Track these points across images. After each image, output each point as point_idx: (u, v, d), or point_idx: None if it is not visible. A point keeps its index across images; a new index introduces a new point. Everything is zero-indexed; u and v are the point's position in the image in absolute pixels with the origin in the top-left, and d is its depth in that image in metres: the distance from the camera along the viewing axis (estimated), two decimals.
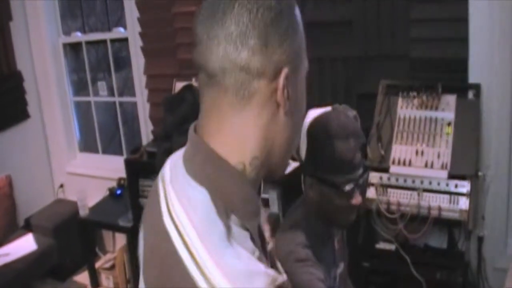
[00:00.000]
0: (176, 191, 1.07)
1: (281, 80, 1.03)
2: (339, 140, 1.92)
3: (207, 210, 0.99)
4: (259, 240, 1.09)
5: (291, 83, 1.05)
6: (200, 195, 1.02)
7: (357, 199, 1.99)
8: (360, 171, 1.99)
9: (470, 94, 3.23)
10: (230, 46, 1.00)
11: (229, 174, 1.04)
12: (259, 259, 1.00)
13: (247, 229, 1.04)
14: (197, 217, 0.99)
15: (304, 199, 2.15)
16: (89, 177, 5.38)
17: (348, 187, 1.94)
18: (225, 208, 1.01)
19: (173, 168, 1.13)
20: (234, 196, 1.03)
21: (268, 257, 1.17)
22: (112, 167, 5.13)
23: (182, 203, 1.03)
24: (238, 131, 1.05)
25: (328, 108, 2.09)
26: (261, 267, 0.97)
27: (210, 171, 1.04)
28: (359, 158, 1.98)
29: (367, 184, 3.15)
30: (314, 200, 2.06)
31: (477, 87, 3.20)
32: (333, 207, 2.00)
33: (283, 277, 1.00)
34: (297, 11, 1.09)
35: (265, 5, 1.01)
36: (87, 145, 5.83)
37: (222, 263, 0.93)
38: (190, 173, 1.06)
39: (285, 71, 1.03)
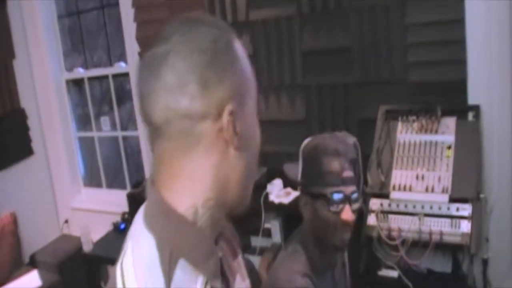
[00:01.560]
0: (132, 238, 1.10)
1: (225, 117, 1.04)
2: (328, 155, 2.01)
3: (150, 257, 1.02)
4: (220, 280, 1.09)
5: (239, 118, 1.06)
6: (147, 242, 1.04)
7: (347, 214, 1.99)
8: (352, 188, 2.02)
9: (470, 116, 3.21)
10: (170, 97, 1.02)
11: (176, 221, 1.05)
12: None
13: (201, 273, 1.04)
14: (140, 263, 1.03)
15: (301, 227, 2.16)
16: (93, 212, 5.37)
17: (336, 197, 1.97)
18: (170, 254, 1.01)
19: (138, 217, 1.14)
20: (181, 243, 1.04)
21: None
22: (116, 202, 5.12)
23: (132, 249, 1.07)
24: (188, 176, 1.06)
25: None
26: None
27: (158, 220, 1.06)
28: (349, 175, 2.03)
29: (368, 211, 3.14)
30: (308, 220, 2.09)
31: (476, 109, 3.19)
32: (325, 223, 2.02)
33: None
34: (237, 44, 1.10)
35: (198, 49, 1.03)
36: (92, 180, 5.83)
37: None
38: (145, 223, 1.08)
39: (228, 108, 1.04)
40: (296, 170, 2.18)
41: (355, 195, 2.03)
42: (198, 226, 1.06)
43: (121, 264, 1.07)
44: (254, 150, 1.13)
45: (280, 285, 1.94)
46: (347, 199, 2.00)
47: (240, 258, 1.34)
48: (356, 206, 2.04)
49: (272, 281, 2.06)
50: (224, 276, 1.13)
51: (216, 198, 1.07)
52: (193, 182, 1.06)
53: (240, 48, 1.10)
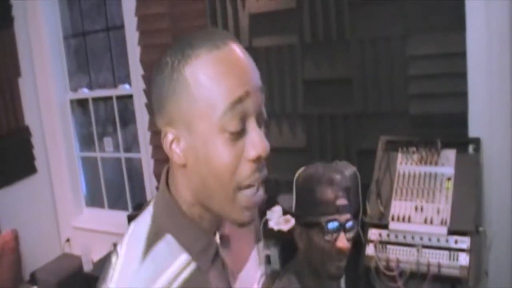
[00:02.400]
0: (135, 221, 1.23)
1: (162, 140, 1.13)
2: (321, 184, 2.04)
3: (144, 227, 1.17)
4: (209, 266, 1.20)
5: (185, 141, 1.10)
6: (147, 215, 1.20)
7: (342, 242, 2.00)
8: (347, 216, 2.04)
9: (470, 149, 3.23)
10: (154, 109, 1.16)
11: (170, 204, 1.18)
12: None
13: (186, 252, 1.16)
14: (135, 232, 1.18)
15: (296, 258, 2.16)
16: (95, 232, 5.37)
17: (331, 226, 1.99)
18: (159, 227, 1.16)
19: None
20: (171, 221, 1.17)
21: (233, 283, 1.29)
22: (117, 222, 5.10)
23: (135, 221, 1.22)
24: (174, 177, 1.19)
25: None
26: None
27: (161, 201, 1.20)
28: (344, 203, 2.04)
29: (366, 241, 3.14)
30: (304, 250, 2.09)
31: (476, 142, 3.20)
32: (320, 252, 2.02)
33: None
34: (186, 72, 1.08)
35: (159, 72, 1.12)
36: (94, 200, 5.84)
37: (122, 277, 1.10)
38: (152, 203, 1.23)
39: (168, 131, 1.11)
40: (290, 201, 2.20)
41: (349, 224, 2.04)
42: (191, 215, 1.18)
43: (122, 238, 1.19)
44: (212, 171, 1.10)
45: None
46: (341, 227, 2.01)
47: (257, 247, 1.47)
48: (351, 234, 2.05)
49: None
50: (221, 264, 1.24)
51: (197, 201, 1.17)
52: (179, 184, 1.17)
53: (194, 74, 1.07)
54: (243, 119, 1.09)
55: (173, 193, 1.18)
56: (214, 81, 1.07)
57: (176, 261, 1.14)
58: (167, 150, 1.13)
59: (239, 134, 1.09)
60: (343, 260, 2.05)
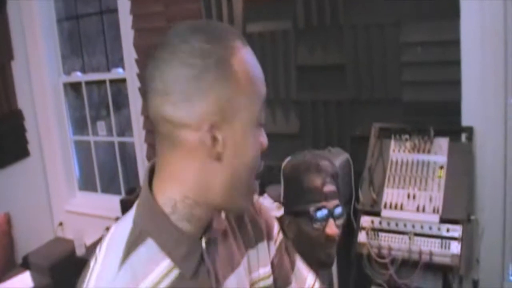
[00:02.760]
0: (117, 223, 1.20)
1: (204, 130, 1.07)
2: (308, 172, 2.03)
3: (124, 229, 1.13)
4: (194, 273, 1.15)
5: (224, 132, 1.09)
6: (128, 218, 1.16)
7: (331, 228, 2.00)
8: (335, 202, 2.04)
9: (463, 137, 3.21)
10: (157, 100, 1.08)
11: (152, 208, 1.14)
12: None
13: (168, 257, 1.12)
14: (115, 236, 1.14)
15: None
16: (88, 216, 5.36)
17: (320, 214, 1.99)
18: (140, 232, 1.12)
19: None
20: (152, 225, 1.13)
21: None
22: (110, 207, 5.09)
23: (116, 223, 1.20)
24: (171, 174, 1.13)
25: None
26: None
27: (141, 204, 1.17)
28: (331, 189, 2.05)
29: (358, 228, 3.14)
30: (293, 239, 2.07)
31: (470, 130, 3.18)
32: (309, 240, 2.03)
33: None
34: (236, 59, 1.10)
35: (187, 63, 1.06)
36: (87, 184, 5.84)
37: (99, 282, 1.06)
38: (136, 204, 1.20)
39: (208, 122, 1.07)
40: (278, 191, 2.19)
41: (338, 210, 2.04)
42: (173, 218, 1.13)
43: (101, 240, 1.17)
44: (245, 162, 1.14)
45: None
46: (330, 214, 2.01)
47: (252, 252, 1.39)
48: (340, 221, 2.05)
49: None
50: (207, 270, 1.18)
51: (194, 199, 1.13)
52: (176, 180, 1.12)
53: (240, 63, 1.10)
54: None
55: (156, 193, 1.15)
56: (255, 74, 1.14)
57: (157, 267, 1.10)
58: (206, 141, 1.08)
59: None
60: (333, 247, 2.06)
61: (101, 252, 1.12)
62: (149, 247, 1.10)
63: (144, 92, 1.09)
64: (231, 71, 1.08)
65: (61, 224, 5.69)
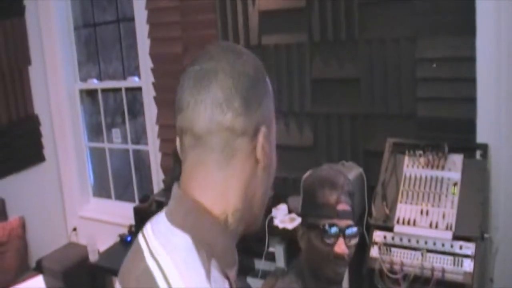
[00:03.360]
0: (158, 239, 1.10)
1: (260, 138, 1.13)
2: (323, 187, 2.04)
3: (189, 253, 1.04)
4: None
5: (267, 140, 1.15)
6: (183, 240, 1.06)
7: (340, 247, 1.99)
8: (348, 222, 2.03)
9: (478, 154, 3.19)
10: (216, 109, 1.09)
11: (211, 223, 1.10)
12: None
13: (226, 277, 1.09)
14: (179, 258, 1.03)
15: (299, 258, 2.17)
16: (101, 222, 5.39)
17: (329, 229, 1.99)
18: (206, 253, 1.05)
19: (155, 224, 1.16)
20: (215, 243, 1.08)
21: None
22: (124, 214, 5.12)
23: (165, 247, 1.07)
24: (222, 185, 1.11)
25: None
26: None
27: (193, 220, 1.09)
28: (345, 208, 2.04)
29: (371, 242, 3.13)
30: (304, 251, 2.10)
31: (484, 147, 3.17)
32: (318, 254, 2.03)
33: None
34: (268, 79, 1.20)
35: (244, 73, 1.12)
36: (101, 190, 5.86)
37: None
38: (174, 223, 1.10)
39: (263, 129, 1.13)
40: (298, 202, 2.20)
41: (350, 230, 2.02)
42: (229, 232, 1.12)
43: (156, 261, 1.05)
44: (273, 172, 1.21)
45: None
46: (341, 232, 2.00)
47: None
48: (353, 241, 2.04)
49: None
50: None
51: (242, 210, 1.13)
52: (227, 192, 1.11)
53: (269, 82, 1.21)
54: None
55: (208, 206, 1.10)
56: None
57: (225, 285, 1.08)
58: (259, 149, 1.13)
59: None
60: (341, 266, 2.04)
61: (176, 278, 1.01)
62: (216, 268, 1.06)
63: (187, 105, 1.12)
64: (268, 87, 1.20)
65: (75, 229, 5.71)
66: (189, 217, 1.10)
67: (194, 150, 1.13)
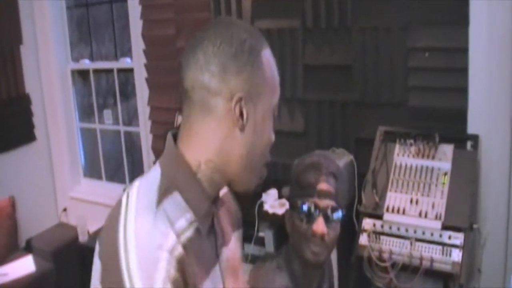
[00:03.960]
0: (142, 177, 1.34)
1: (233, 101, 1.26)
2: (307, 169, 2.06)
3: (153, 181, 1.27)
4: (207, 231, 1.33)
5: (249, 108, 1.29)
6: (155, 172, 1.30)
7: (318, 226, 1.97)
8: (329, 202, 2.01)
9: (468, 145, 3.19)
10: (197, 70, 1.27)
11: (180, 163, 1.30)
12: (182, 234, 1.22)
13: (190, 211, 1.28)
14: (143, 184, 1.29)
15: (287, 243, 2.17)
16: (91, 203, 5.38)
17: (304, 207, 1.99)
18: (168, 183, 1.26)
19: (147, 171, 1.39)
20: (180, 179, 1.28)
21: (220, 255, 1.42)
22: (115, 195, 5.05)
23: (140, 178, 1.33)
24: (199, 137, 1.30)
25: None
26: (168, 239, 1.17)
27: (168, 160, 1.32)
28: (325, 188, 2.02)
29: (360, 230, 3.14)
30: (289, 233, 2.11)
31: (475, 138, 3.16)
32: (297, 233, 2.03)
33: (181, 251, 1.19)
34: (264, 54, 1.33)
35: (228, 43, 1.27)
36: (92, 171, 5.86)
37: (139, 220, 1.18)
38: (159, 161, 1.34)
39: (238, 95, 1.26)
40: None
41: (332, 212, 2.01)
42: (198, 176, 1.30)
43: (127, 193, 1.28)
44: (262, 141, 1.35)
45: None
46: (320, 212, 1.99)
47: (237, 233, 1.61)
48: (336, 224, 2.02)
49: None
50: (214, 233, 1.38)
51: (216, 163, 1.30)
52: (202, 143, 1.30)
53: (266, 58, 1.33)
54: None
55: (182, 153, 1.30)
56: (276, 72, 1.37)
57: (182, 217, 1.24)
58: (233, 111, 1.27)
59: None
60: (319, 245, 2.00)
61: (130, 201, 1.23)
62: (176, 199, 1.25)
63: (181, 66, 1.35)
64: (260, 61, 1.30)
65: (65, 210, 5.72)
66: (166, 157, 1.33)
67: (184, 104, 1.32)
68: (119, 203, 1.26)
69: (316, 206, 1.99)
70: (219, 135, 1.29)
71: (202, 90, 1.27)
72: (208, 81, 1.26)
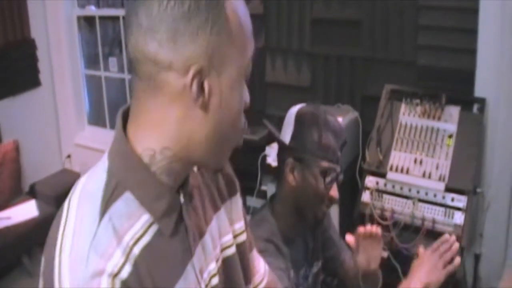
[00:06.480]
0: (89, 172, 1.11)
1: (190, 75, 0.99)
2: (329, 130, 2.02)
3: (99, 178, 1.03)
4: (172, 231, 1.08)
5: (211, 80, 1.01)
6: (102, 166, 1.06)
7: (335, 192, 2.04)
8: (340, 168, 2.06)
9: (475, 108, 3.17)
10: (140, 37, 0.98)
11: (129, 158, 1.04)
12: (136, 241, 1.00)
13: (147, 212, 1.03)
14: (89, 184, 1.05)
15: (276, 194, 2.15)
16: (95, 150, 5.35)
17: (333, 173, 2.02)
18: (117, 184, 1.02)
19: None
20: (130, 177, 1.04)
21: (195, 248, 1.16)
22: None
23: (89, 171, 1.10)
24: (151, 120, 1.04)
25: None
26: (110, 262, 0.95)
27: (116, 151, 1.07)
28: (340, 157, 2.06)
29: (363, 187, 3.15)
30: (293, 187, 2.04)
31: (482, 102, 3.14)
32: (314, 193, 2.02)
33: (127, 272, 0.97)
34: (231, 9, 1.03)
35: (178, 0, 0.98)
36: (96, 119, 5.86)
37: (75, 242, 0.97)
38: (108, 150, 1.10)
39: (195, 66, 0.99)
40: (284, 131, 2.10)
41: (341, 177, 2.08)
42: (153, 169, 1.05)
43: (72, 190, 1.08)
44: (230, 116, 1.07)
45: None
46: (337, 178, 2.04)
47: (229, 204, 1.36)
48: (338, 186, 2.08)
49: None
50: (184, 228, 1.11)
51: (175, 150, 1.04)
52: (155, 128, 1.03)
53: (232, 9, 1.03)
54: None
55: (132, 142, 1.06)
56: (247, 25, 1.06)
57: (136, 223, 1.02)
58: (191, 87, 0.99)
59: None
60: (327, 208, 2.08)
61: (71, 207, 1.03)
62: (127, 200, 1.02)
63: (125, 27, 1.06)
64: (223, 17, 1.01)
65: (69, 156, 5.73)
66: (114, 147, 1.08)
67: (132, 77, 1.07)
68: (61, 211, 1.05)
69: (337, 174, 2.03)
70: (174, 117, 1.03)
71: (148, 63, 1.00)
72: (154, 52, 0.98)
